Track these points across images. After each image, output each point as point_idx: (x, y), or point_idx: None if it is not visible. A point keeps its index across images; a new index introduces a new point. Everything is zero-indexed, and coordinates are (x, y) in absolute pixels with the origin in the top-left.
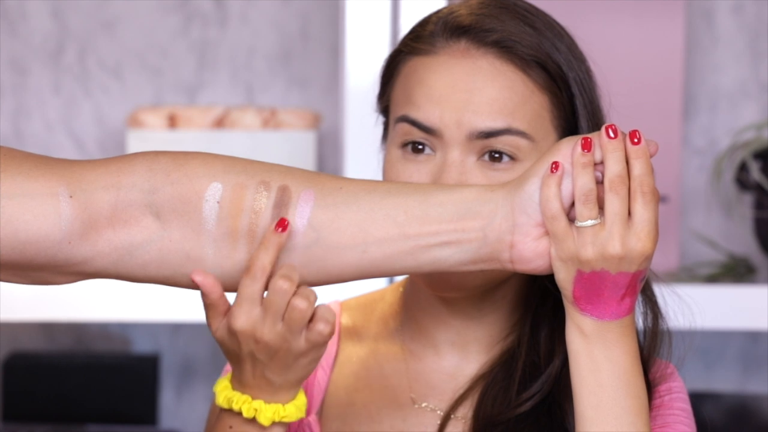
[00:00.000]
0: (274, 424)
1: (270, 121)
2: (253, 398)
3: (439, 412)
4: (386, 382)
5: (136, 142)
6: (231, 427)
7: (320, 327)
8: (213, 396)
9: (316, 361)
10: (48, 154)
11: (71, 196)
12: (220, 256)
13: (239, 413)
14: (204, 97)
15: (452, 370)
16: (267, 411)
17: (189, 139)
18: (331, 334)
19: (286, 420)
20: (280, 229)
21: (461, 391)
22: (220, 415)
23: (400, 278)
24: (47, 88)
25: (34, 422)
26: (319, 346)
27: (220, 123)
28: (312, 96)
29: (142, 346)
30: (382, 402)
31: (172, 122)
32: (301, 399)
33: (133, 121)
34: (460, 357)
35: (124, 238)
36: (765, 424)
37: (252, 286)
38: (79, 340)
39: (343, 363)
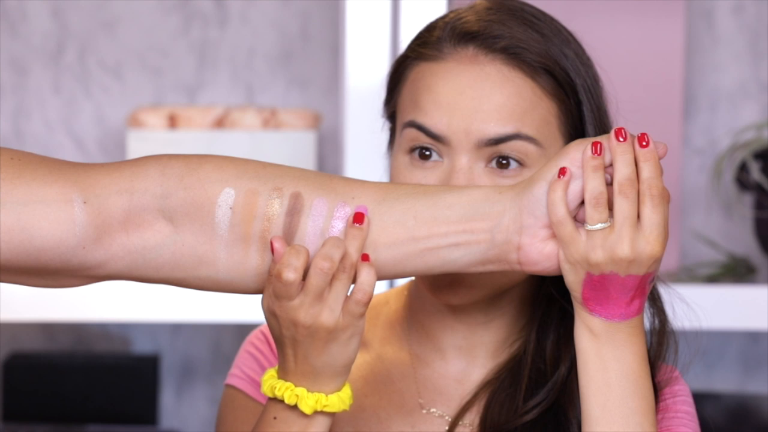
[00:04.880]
0: (317, 413)
1: (270, 121)
2: (296, 386)
3: (447, 418)
4: (394, 387)
5: (136, 142)
6: (275, 417)
7: (358, 296)
8: (220, 396)
9: (356, 338)
10: (48, 154)
11: (85, 202)
12: (232, 260)
13: (282, 401)
14: (204, 97)
15: (459, 375)
16: (309, 399)
17: (189, 139)
18: (367, 302)
19: (328, 410)
20: (358, 224)
21: (468, 398)
22: (266, 406)
23: (403, 281)
24: (47, 88)
25: (34, 422)
26: (356, 317)
27: (220, 123)
28: (312, 96)
29: (142, 346)
30: (391, 407)
31: (172, 122)
32: (345, 391)
33: (133, 121)
34: (466, 362)
35: (138, 242)
36: (765, 424)
37: (322, 279)
38: (79, 340)
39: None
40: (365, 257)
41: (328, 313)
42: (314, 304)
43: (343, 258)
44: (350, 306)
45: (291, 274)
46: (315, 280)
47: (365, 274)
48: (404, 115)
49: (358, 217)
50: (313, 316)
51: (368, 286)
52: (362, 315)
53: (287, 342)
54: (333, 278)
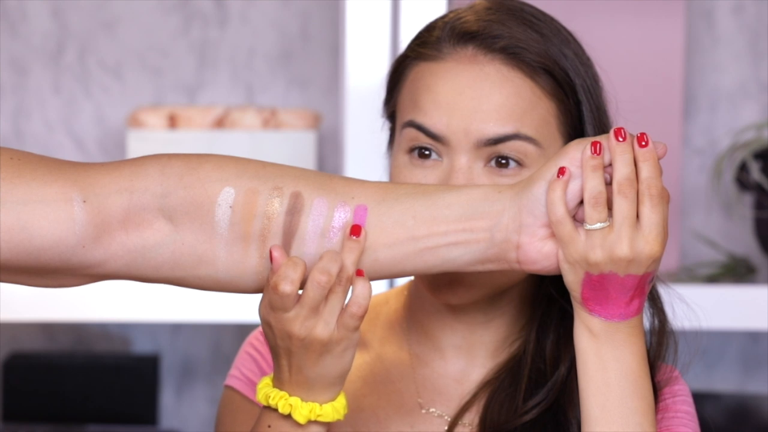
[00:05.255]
0: (310, 423)
1: (270, 121)
2: (291, 395)
3: (446, 417)
4: (393, 387)
5: (136, 142)
6: (269, 426)
7: (353, 309)
8: (220, 396)
9: (350, 351)
10: (48, 154)
11: (85, 201)
12: (232, 259)
13: (276, 410)
14: (204, 97)
15: (459, 375)
16: (303, 408)
17: (189, 139)
18: (362, 316)
19: (322, 419)
20: (355, 236)
21: (468, 398)
22: (260, 414)
23: (402, 281)
24: (47, 88)
25: (34, 422)
26: (351, 330)
27: (220, 123)
28: (312, 96)
29: (142, 346)
30: (390, 407)
31: (172, 122)
32: (340, 401)
33: (133, 121)
34: (466, 362)
35: (137, 241)
36: (765, 424)
37: (318, 293)
38: (79, 340)
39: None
40: (359, 272)
41: (323, 326)
42: (309, 317)
43: (339, 271)
44: (345, 319)
45: (288, 287)
46: (312, 293)
47: (360, 287)
48: (404, 115)
49: (356, 230)
50: (307, 328)
51: (363, 299)
52: (357, 328)
53: (282, 352)
54: (329, 291)
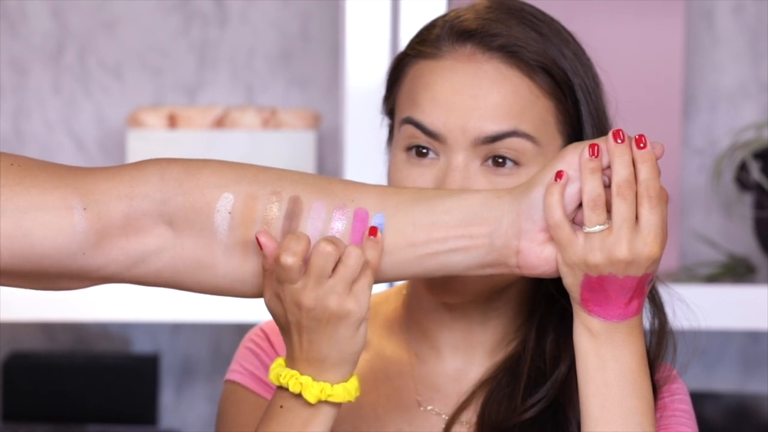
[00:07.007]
0: (321, 403)
1: (270, 121)
2: (302, 374)
3: (444, 416)
4: (392, 384)
5: (136, 142)
6: (282, 406)
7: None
8: (220, 395)
9: (363, 325)
10: (48, 154)
11: (85, 208)
12: (232, 264)
13: (288, 390)
14: (204, 97)
15: (457, 373)
16: (313, 388)
17: (189, 139)
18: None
19: (332, 399)
20: (373, 237)
21: (465, 396)
22: (273, 395)
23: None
24: (47, 88)
25: (34, 422)
26: (361, 301)
27: (220, 123)
28: (312, 96)
29: (142, 346)
30: (389, 404)
31: (172, 122)
32: (352, 383)
33: (133, 121)
34: (464, 361)
35: (137, 247)
36: (765, 424)
37: (323, 260)
38: (79, 340)
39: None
40: (373, 230)
41: (331, 296)
42: (317, 287)
43: (357, 256)
44: (355, 289)
45: (290, 258)
46: (317, 260)
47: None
48: (402, 112)
49: (373, 231)
50: (315, 299)
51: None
52: (367, 299)
53: (293, 328)
54: (338, 263)
